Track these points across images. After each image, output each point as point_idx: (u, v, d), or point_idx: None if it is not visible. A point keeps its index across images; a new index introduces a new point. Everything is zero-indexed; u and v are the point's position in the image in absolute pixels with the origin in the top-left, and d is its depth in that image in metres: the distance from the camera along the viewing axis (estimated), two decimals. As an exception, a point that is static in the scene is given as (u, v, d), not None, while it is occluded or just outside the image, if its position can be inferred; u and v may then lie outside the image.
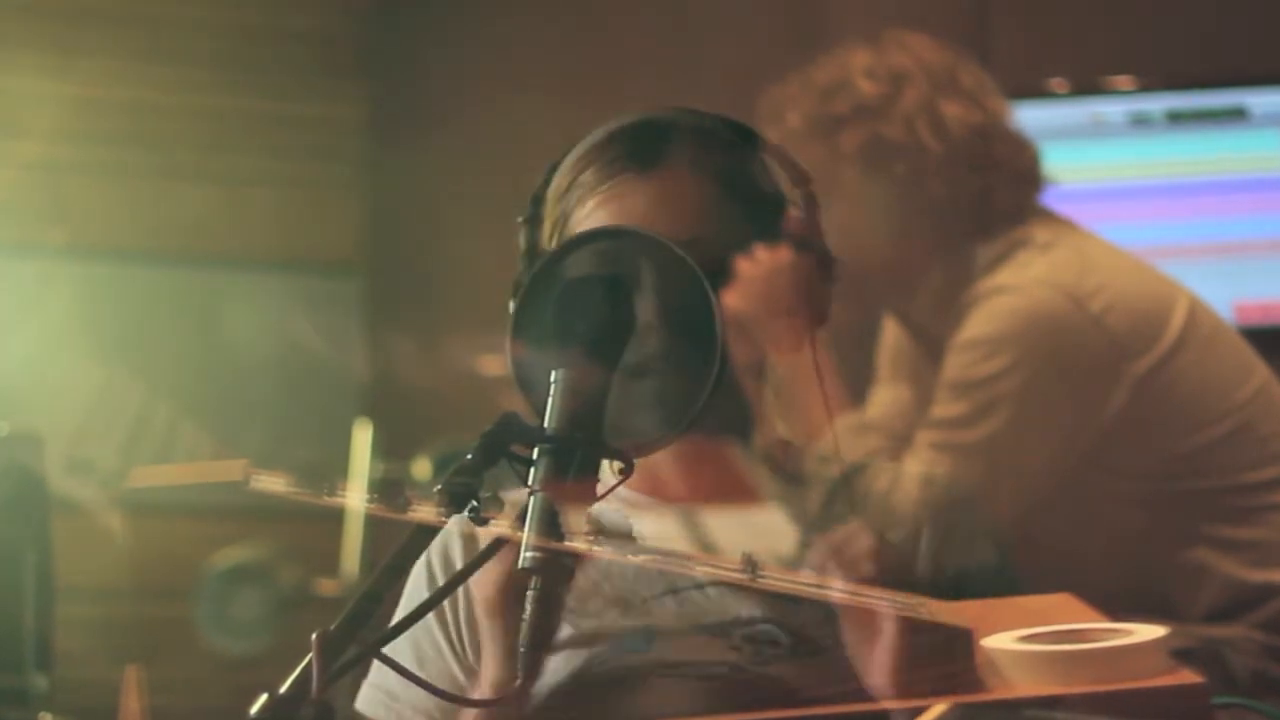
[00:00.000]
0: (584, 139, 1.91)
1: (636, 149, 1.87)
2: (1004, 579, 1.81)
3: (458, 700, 1.80)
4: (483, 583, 1.72)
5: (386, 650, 1.65)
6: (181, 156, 4.77)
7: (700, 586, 1.83)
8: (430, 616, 1.88)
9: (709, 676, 1.79)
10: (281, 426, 4.67)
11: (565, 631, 1.82)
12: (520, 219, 1.92)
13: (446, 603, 1.89)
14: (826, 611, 1.77)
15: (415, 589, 1.91)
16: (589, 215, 1.87)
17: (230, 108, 4.79)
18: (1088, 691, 1.52)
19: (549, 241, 1.90)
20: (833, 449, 2.16)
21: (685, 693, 1.79)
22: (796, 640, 1.80)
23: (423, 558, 1.88)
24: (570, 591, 1.67)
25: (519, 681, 1.63)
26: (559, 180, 1.90)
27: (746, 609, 1.81)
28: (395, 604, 1.82)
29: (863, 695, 1.67)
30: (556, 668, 1.82)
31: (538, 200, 1.92)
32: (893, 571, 1.65)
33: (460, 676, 1.88)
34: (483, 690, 1.78)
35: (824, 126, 2.90)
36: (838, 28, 3.96)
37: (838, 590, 1.64)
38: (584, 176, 1.88)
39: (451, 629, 1.90)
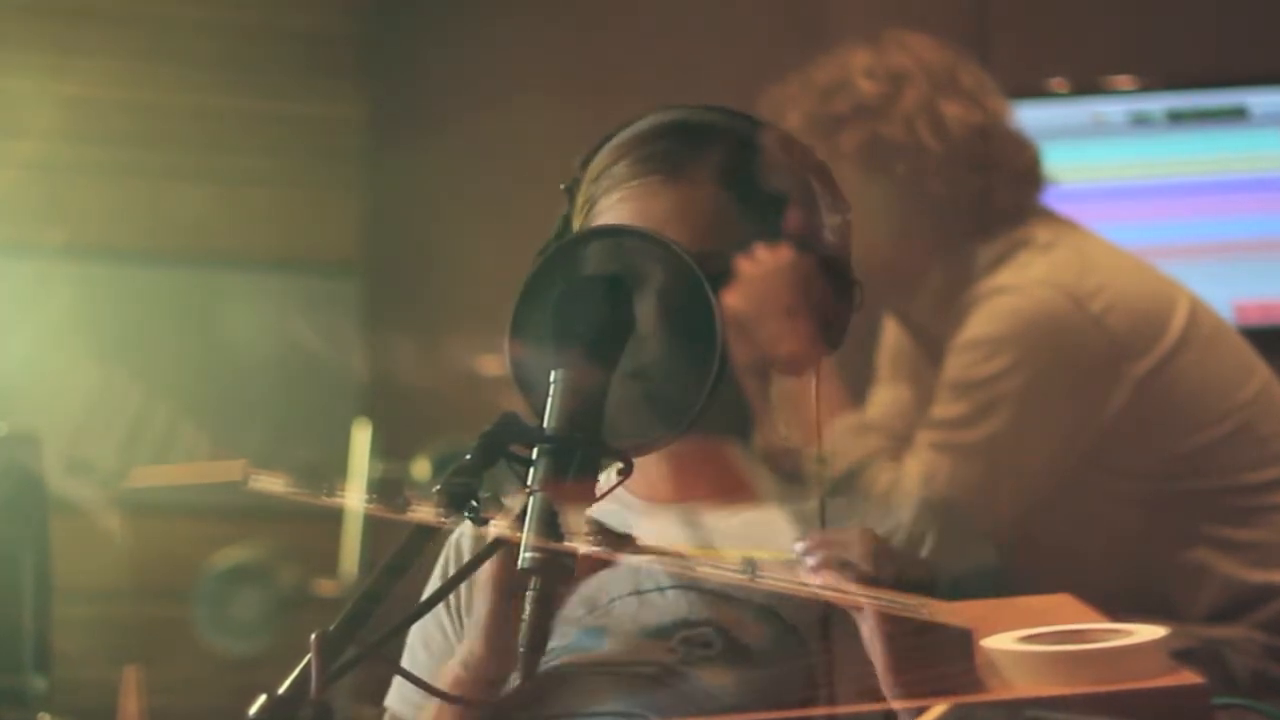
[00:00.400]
0: (632, 123, 1.90)
1: (669, 152, 1.87)
2: (996, 580, 1.80)
3: (454, 700, 1.79)
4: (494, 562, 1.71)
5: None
6: (180, 156, 4.76)
7: (661, 589, 1.83)
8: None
9: (635, 675, 1.79)
10: (280, 427, 4.66)
11: None
12: (563, 186, 1.92)
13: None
14: (771, 613, 1.78)
15: (434, 585, 1.91)
16: (611, 208, 1.87)
17: (229, 107, 4.78)
18: (1088, 692, 1.52)
19: (577, 218, 1.90)
20: (833, 449, 2.16)
21: (610, 690, 1.80)
22: (728, 644, 1.80)
23: (441, 554, 1.89)
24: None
25: (518, 682, 1.62)
26: (597, 162, 1.90)
27: (695, 611, 1.82)
28: (394, 604, 1.82)
29: (793, 702, 1.68)
30: None
31: (579, 174, 1.92)
32: (893, 572, 1.65)
33: None
34: (455, 660, 1.78)
35: (824, 126, 2.89)
36: (838, 28, 3.95)
37: (835, 590, 1.63)
38: (616, 168, 1.88)
39: (454, 613, 1.91)
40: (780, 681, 1.74)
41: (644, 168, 1.86)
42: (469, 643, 1.77)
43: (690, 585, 1.81)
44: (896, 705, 1.63)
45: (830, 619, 1.69)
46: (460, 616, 1.90)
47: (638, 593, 1.84)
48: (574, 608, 1.84)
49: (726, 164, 1.86)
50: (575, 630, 1.82)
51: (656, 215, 1.84)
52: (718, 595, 1.79)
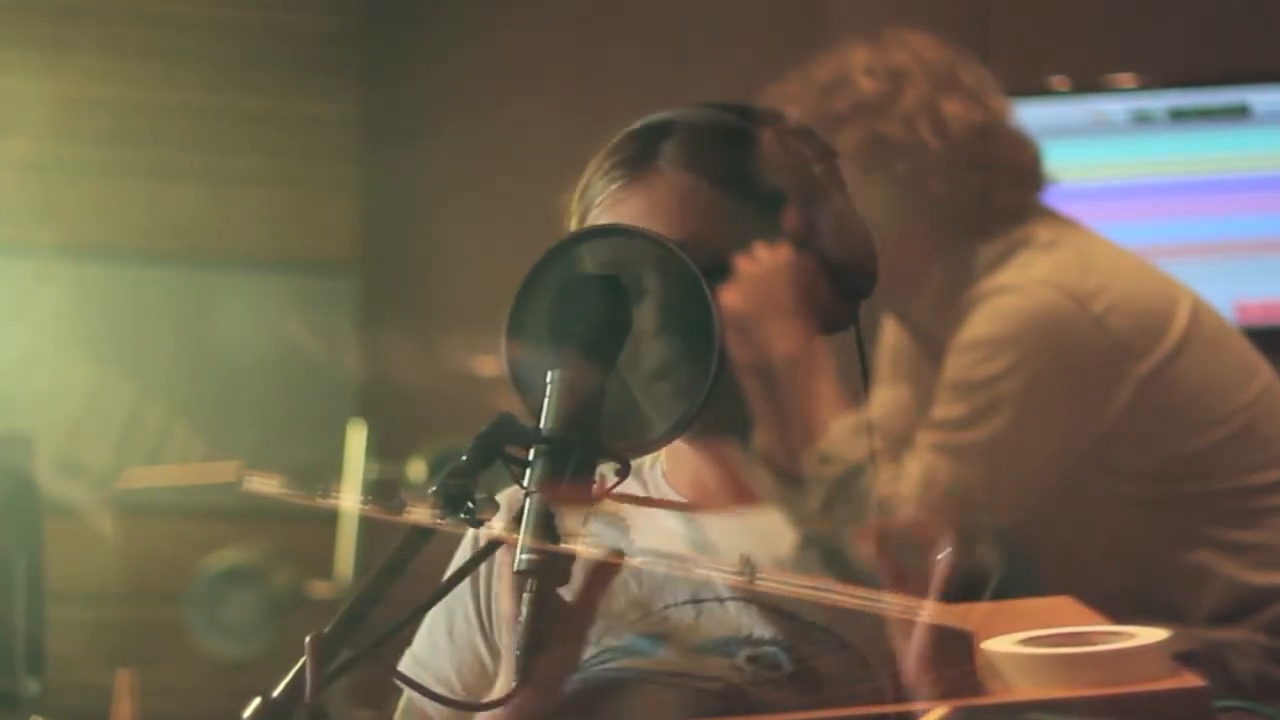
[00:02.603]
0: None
1: (630, 155, 1.86)
2: (1027, 580, 1.80)
3: (452, 703, 1.79)
4: (504, 595, 1.70)
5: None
6: (175, 155, 4.75)
7: (720, 600, 1.82)
8: (465, 588, 1.88)
9: (701, 691, 1.78)
10: (275, 427, 4.66)
11: None
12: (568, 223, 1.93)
13: (481, 578, 1.88)
14: (840, 641, 1.77)
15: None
16: (597, 220, 1.87)
17: (224, 106, 4.78)
18: (1089, 694, 1.51)
19: None
20: (832, 450, 2.14)
21: (674, 704, 1.78)
22: (799, 667, 1.78)
23: (465, 541, 1.88)
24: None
25: (516, 684, 1.61)
26: (581, 180, 1.90)
27: (759, 628, 1.80)
28: (390, 606, 1.81)
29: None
30: None
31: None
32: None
33: (484, 653, 1.88)
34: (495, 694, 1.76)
35: (823, 124, 2.88)
36: (838, 25, 3.94)
37: (834, 593, 1.63)
38: (591, 186, 1.88)
39: (483, 603, 1.89)
40: (847, 702, 1.73)
41: (611, 176, 1.87)
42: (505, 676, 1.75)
43: (748, 597, 1.80)
44: (897, 709, 1.62)
45: (886, 637, 1.68)
46: (489, 614, 1.88)
47: (695, 601, 1.82)
48: (627, 610, 1.82)
49: (689, 152, 1.85)
50: (630, 633, 1.80)
51: (629, 218, 1.83)
52: (777, 611, 1.78)
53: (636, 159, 1.86)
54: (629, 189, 1.85)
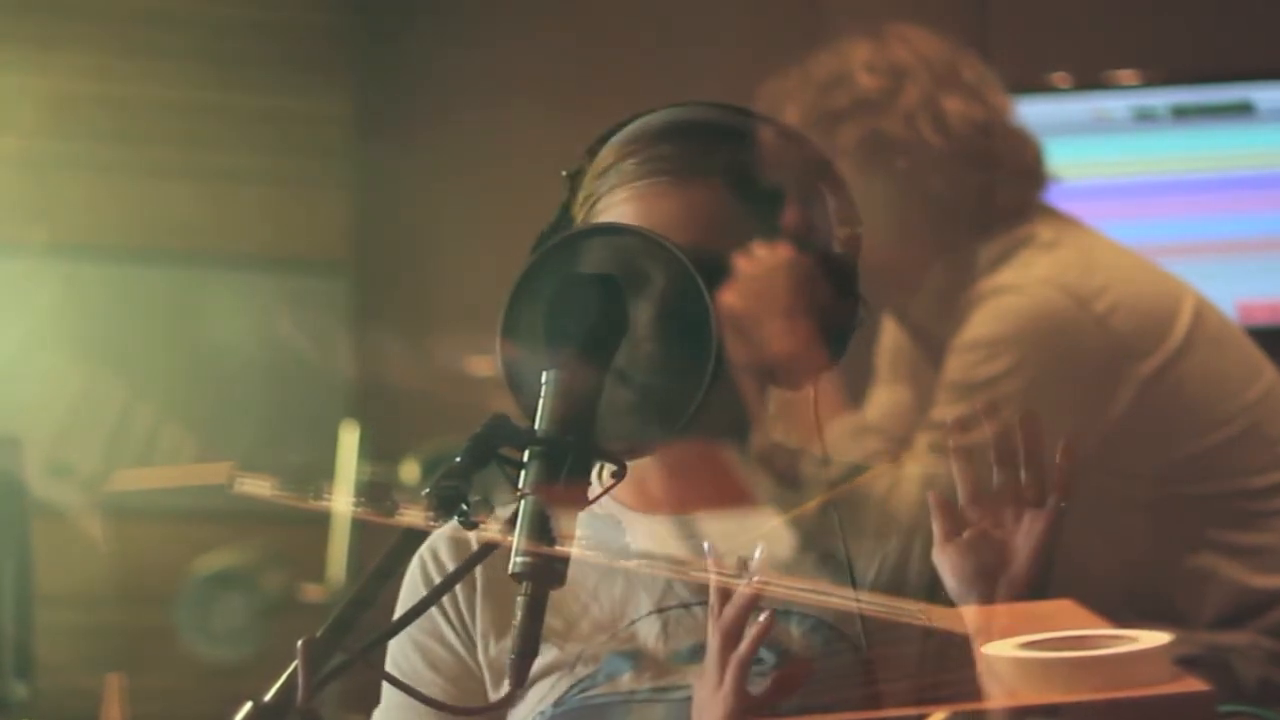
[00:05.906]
0: (640, 117, 1.87)
1: (677, 153, 1.84)
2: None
3: (446, 708, 1.78)
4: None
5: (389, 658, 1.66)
6: (165, 153, 4.74)
7: (686, 606, 1.80)
8: (435, 617, 1.87)
9: (682, 702, 1.76)
10: (267, 428, 4.65)
11: (552, 655, 1.79)
12: (565, 172, 1.89)
13: (448, 598, 1.87)
14: (814, 625, 1.75)
15: (410, 596, 1.87)
16: (615, 207, 1.84)
17: (215, 103, 4.77)
18: (1091, 700, 1.50)
19: (579, 211, 1.87)
20: (831, 452, 2.13)
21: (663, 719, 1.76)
22: (781, 660, 1.77)
23: (413, 563, 1.86)
24: (558, 615, 1.66)
25: (510, 689, 1.59)
26: (603, 157, 1.87)
27: None
28: (383, 609, 1.79)
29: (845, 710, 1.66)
30: (543, 695, 1.80)
31: (581, 165, 1.89)
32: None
33: (475, 669, 1.87)
34: None
35: (823, 121, 2.87)
36: (837, 21, 3.93)
37: (832, 596, 1.61)
38: (623, 166, 1.85)
39: (455, 624, 1.87)
40: (838, 694, 1.71)
41: (651, 168, 1.84)
42: None
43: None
44: (894, 713, 1.61)
45: (877, 623, 1.66)
46: (466, 628, 1.87)
47: (659, 611, 1.81)
48: (593, 634, 1.81)
49: (736, 166, 1.83)
50: (602, 655, 1.78)
51: (664, 217, 1.81)
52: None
53: (673, 160, 1.83)
54: (667, 189, 1.83)
